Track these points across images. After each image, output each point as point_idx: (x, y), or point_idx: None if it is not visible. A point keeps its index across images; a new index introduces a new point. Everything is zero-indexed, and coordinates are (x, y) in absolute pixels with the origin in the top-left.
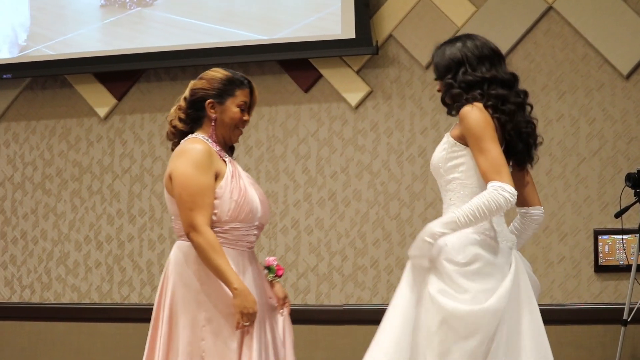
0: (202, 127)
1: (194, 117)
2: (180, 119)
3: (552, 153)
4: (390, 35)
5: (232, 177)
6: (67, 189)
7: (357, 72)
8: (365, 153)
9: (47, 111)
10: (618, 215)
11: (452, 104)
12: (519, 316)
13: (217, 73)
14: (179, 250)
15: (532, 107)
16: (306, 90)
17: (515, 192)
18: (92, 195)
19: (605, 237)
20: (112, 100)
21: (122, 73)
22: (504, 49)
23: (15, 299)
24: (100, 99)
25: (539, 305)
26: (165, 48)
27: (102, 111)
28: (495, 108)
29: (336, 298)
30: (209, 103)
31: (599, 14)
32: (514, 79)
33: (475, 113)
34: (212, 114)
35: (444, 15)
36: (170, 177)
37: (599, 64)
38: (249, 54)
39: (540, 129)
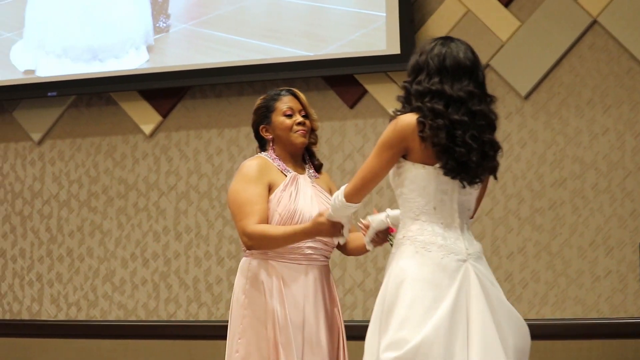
0: (267, 150)
1: (261, 146)
2: (259, 155)
3: (598, 167)
4: None
5: (284, 189)
6: (113, 207)
7: None
8: None
9: (92, 128)
10: None
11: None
12: (467, 337)
13: (257, 101)
14: (239, 266)
15: (490, 127)
16: (351, 106)
17: (340, 199)
18: (138, 213)
19: None
20: (158, 118)
21: (167, 90)
22: (548, 63)
23: (61, 317)
24: (145, 116)
25: (585, 319)
26: (211, 65)
27: (147, 128)
28: (423, 124)
29: None
30: (262, 129)
31: None
32: (468, 96)
33: (390, 126)
34: (267, 136)
35: (488, 30)
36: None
37: None
38: (294, 70)
39: (585, 143)
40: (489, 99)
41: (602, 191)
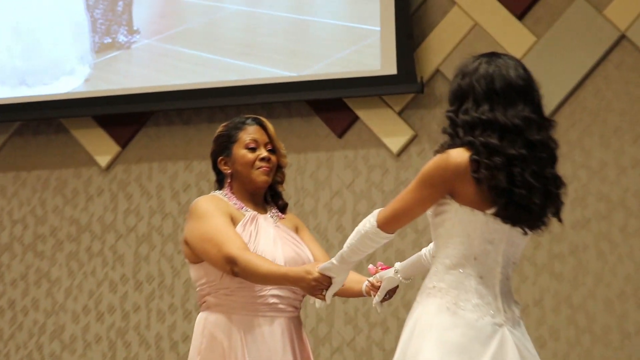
0: (223, 187)
1: (219, 181)
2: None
3: (627, 205)
4: (438, 71)
5: (243, 229)
6: (63, 251)
7: (399, 114)
8: None
9: (39, 160)
10: None
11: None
12: None
13: (219, 128)
14: (195, 323)
15: (552, 159)
16: (340, 135)
17: (372, 223)
18: (91, 258)
19: None
20: (115, 148)
21: (126, 116)
22: (569, 85)
23: None
24: (101, 146)
25: None
26: (177, 87)
27: (103, 160)
28: (478, 163)
29: None
30: (220, 161)
31: None
32: (524, 124)
33: (437, 161)
34: (225, 170)
35: (499, 47)
36: (186, 243)
37: None
38: (273, 93)
39: (612, 178)
40: (547, 124)
41: (632, 233)
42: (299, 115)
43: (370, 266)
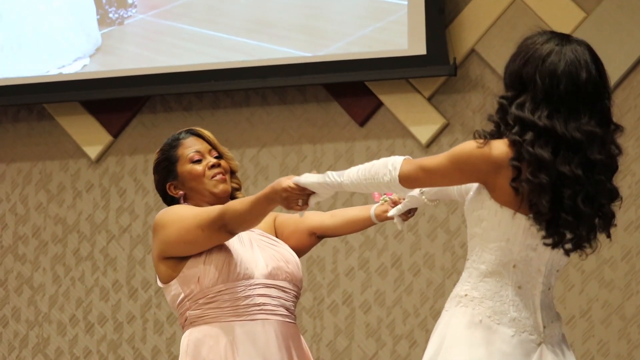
0: None
1: None
2: None
3: None
4: (473, 51)
5: None
6: (47, 254)
7: (429, 99)
8: (439, 205)
9: (20, 151)
10: None
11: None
12: None
13: (154, 156)
14: (180, 345)
15: (612, 170)
16: (362, 123)
17: (394, 176)
18: (80, 262)
19: None
20: (106, 137)
21: (119, 101)
22: (622, 68)
23: None
24: (90, 135)
25: None
26: (176, 68)
27: (92, 151)
28: (519, 170)
29: None
30: (170, 187)
31: None
32: (587, 140)
33: (472, 148)
34: (177, 194)
35: (543, 23)
36: (162, 258)
37: None
38: (286, 76)
39: None
40: (613, 127)
41: None
42: (315, 100)
43: (376, 192)
